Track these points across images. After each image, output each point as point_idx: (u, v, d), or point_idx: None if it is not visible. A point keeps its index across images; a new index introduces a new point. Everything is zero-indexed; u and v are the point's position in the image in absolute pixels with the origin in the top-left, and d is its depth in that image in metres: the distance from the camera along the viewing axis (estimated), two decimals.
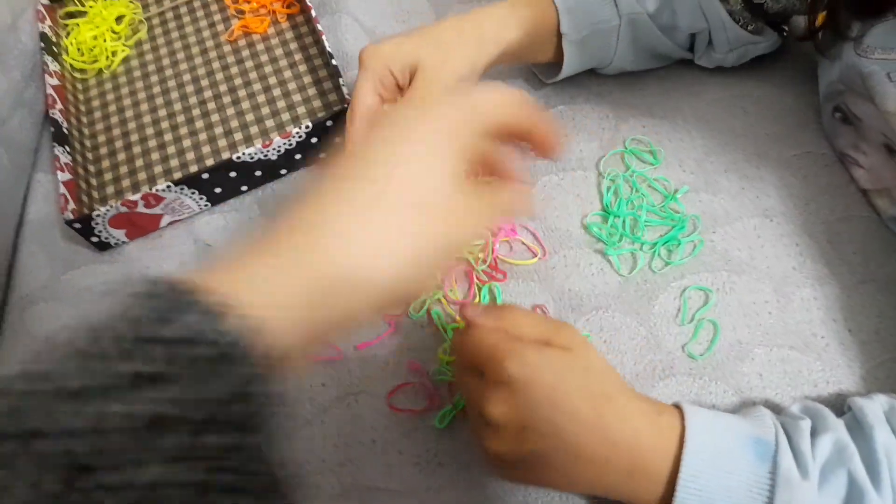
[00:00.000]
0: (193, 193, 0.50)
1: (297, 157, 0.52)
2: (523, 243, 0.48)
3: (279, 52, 0.59)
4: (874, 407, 0.34)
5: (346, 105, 0.50)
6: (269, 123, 0.55)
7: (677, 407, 0.34)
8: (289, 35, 0.60)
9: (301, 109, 0.56)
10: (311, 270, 0.24)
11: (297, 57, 0.59)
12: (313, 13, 0.57)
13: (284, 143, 0.50)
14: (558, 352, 0.33)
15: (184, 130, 0.56)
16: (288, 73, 0.58)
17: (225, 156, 0.53)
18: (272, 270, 0.24)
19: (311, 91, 0.56)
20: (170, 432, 0.19)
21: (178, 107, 0.58)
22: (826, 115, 0.49)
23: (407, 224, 0.26)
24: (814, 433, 0.33)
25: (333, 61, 0.54)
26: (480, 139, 0.29)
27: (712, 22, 0.48)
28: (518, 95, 0.30)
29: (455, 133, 0.28)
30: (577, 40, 0.46)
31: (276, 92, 0.57)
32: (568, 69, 0.48)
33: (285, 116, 0.55)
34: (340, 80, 0.53)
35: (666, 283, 0.45)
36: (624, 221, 0.48)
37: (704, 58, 0.52)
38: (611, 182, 0.49)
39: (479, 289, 0.46)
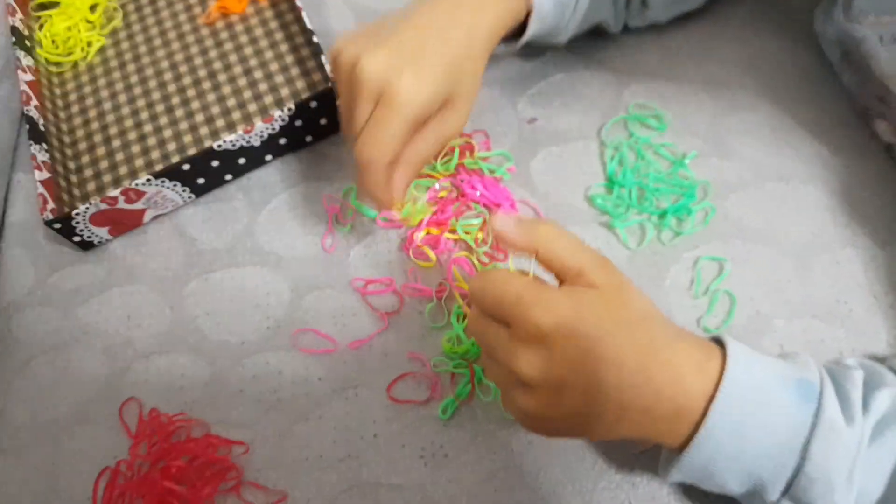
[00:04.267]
0: (175, 185, 0.48)
1: (282, 141, 0.49)
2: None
3: (259, 31, 0.56)
4: None
5: (330, 84, 0.47)
6: (252, 108, 0.53)
7: (720, 342, 0.31)
8: (268, 14, 0.57)
9: (284, 91, 0.53)
10: None
11: (279, 36, 0.56)
12: None
13: (267, 129, 0.47)
14: (592, 294, 0.29)
15: (164, 120, 0.54)
16: (269, 54, 0.55)
17: (207, 144, 0.50)
18: None
19: (294, 71, 0.54)
20: None
21: (156, 95, 0.55)
22: (849, 66, 0.46)
23: None
24: (871, 387, 0.30)
25: (315, 38, 0.51)
26: None
27: None
28: None
29: None
30: (539, 16, 0.44)
31: (258, 74, 0.54)
32: (523, 40, 0.45)
33: (268, 99, 0.53)
34: (323, 58, 0.50)
35: (677, 254, 0.43)
36: (630, 192, 0.45)
37: (638, 18, 0.50)
38: (614, 151, 0.47)
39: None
